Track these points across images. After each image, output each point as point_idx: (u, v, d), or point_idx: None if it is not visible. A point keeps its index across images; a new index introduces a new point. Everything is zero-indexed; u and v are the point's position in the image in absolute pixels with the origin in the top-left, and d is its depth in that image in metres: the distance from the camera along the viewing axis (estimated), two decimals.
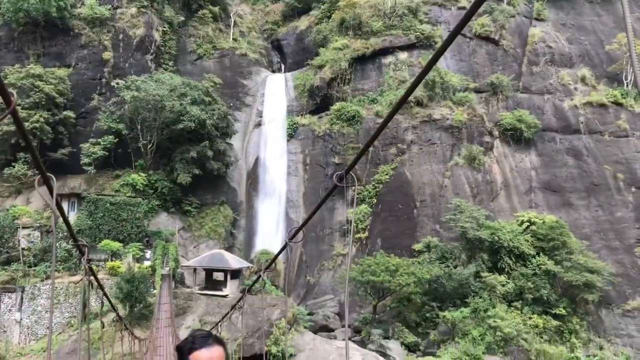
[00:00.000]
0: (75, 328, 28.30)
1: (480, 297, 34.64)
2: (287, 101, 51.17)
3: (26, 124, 36.17)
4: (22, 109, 37.29)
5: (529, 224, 38.85)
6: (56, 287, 28.73)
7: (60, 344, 27.21)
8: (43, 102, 37.86)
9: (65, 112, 39.59)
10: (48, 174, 3.38)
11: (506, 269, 36.69)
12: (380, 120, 43.21)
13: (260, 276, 5.19)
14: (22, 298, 28.87)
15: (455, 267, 37.27)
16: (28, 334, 28.46)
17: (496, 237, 36.66)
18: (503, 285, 34.98)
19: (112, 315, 27.24)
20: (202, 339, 2.81)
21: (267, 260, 36.80)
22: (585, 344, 33.49)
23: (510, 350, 31.61)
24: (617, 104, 46.30)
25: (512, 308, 34.75)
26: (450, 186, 43.66)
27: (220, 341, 2.86)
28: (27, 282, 29.25)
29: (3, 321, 28.73)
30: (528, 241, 37.36)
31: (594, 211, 42.18)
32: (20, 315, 28.54)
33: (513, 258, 36.98)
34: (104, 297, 6.21)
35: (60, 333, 28.24)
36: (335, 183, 4.00)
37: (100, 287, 5.12)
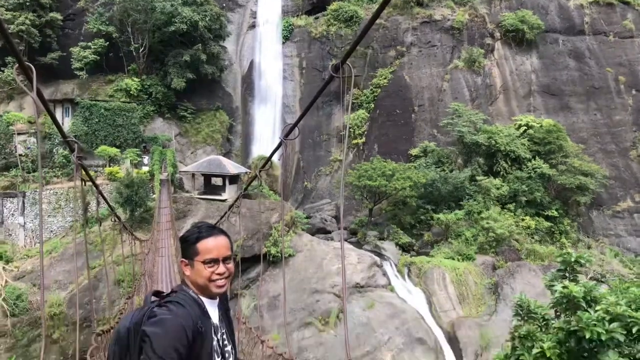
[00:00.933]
0: (78, 231, 28.97)
1: (475, 200, 35.31)
2: (281, 0, 49.09)
3: (11, 26, 34.90)
4: (5, 10, 35.77)
5: (526, 127, 38.81)
6: (56, 193, 29.07)
7: (65, 246, 27.97)
8: (27, 3, 36.28)
9: (51, 14, 38.05)
10: (27, 63, 3.20)
11: (501, 173, 37.13)
12: (379, 21, 41.80)
13: (257, 175, 5.12)
14: (23, 203, 29.28)
15: (451, 171, 37.66)
16: (32, 237, 29.17)
17: (493, 141, 36.75)
18: (498, 189, 35.54)
19: (114, 219, 27.82)
20: (208, 228, 2.84)
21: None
22: (574, 244, 34.65)
23: (502, 250, 32.70)
24: (625, 2, 44.62)
25: (505, 210, 35.52)
26: (449, 90, 43.07)
27: (224, 232, 2.86)
28: (27, 187, 29.54)
29: (7, 225, 29.32)
30: (524, 145, 37.51)
31: (593, 115, 41.97)
32: (23, 219, 29.09)
33: (509, 162, 37.31)
34: (100, 196, 6.20)
35: (63, 236, 28.96)
36: (331, 74, 3.83)
37: (94, 184, 5.09)
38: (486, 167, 37.62)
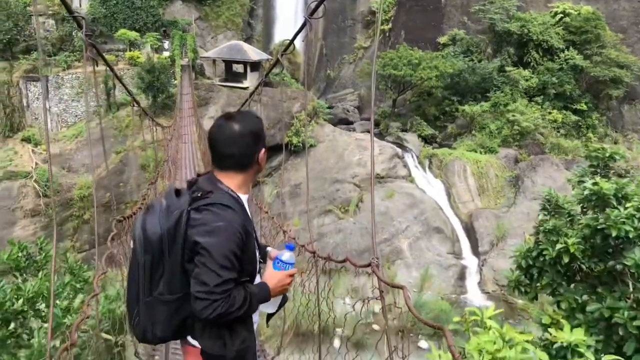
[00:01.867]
0: (103, 116, 29.20)
1: (502, 92, 34.32)
2: None
3: None
4: None
5: (562, 15, 36.58)
6: (77, 77, 28.94)
7: (90, 130, 28.37)
8: None
9: None
10: None
11: (532, 64, 35.68)
12: None
13: (278, 60, 4.87)
14: (47, 87, 29.32)
15: (480, 61, 36.31)
16: (59, 121, 29.54)
17: (525, 30, 34.94)
18: (527, 80, 34.35)
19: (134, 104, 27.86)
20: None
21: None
22: (600, 138, 33.93)
23: (526, 144, 32.33)
24: None
25: (532, 103, 34.59)
26: None
27: None
28: (50, 71, 29.42)
29: (33, 109, 29.62)
30: (559, 34, 35.61)
31: (636, 1, 39.22)
32: (48, 103, 29.30)
33: (540, 52, 35.68)
34: (117, 79, 6.04)
35: (88, 121, 29.29)
36: None
37: (107, 63, 4.91)
38: (516, 58, 36.11)
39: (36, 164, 26.72)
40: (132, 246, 2.45)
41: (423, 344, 21.27)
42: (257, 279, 2.50)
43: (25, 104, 29.33)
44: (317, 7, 3.56)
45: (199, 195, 2.31)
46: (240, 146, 2.39)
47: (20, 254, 5.53)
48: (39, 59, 29.90)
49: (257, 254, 2.49)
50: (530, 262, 4.53)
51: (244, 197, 2.47)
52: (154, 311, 2.32)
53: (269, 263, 2.54)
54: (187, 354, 2.49)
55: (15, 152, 27.18)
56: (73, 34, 31.98)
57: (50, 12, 32.20)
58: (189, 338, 2.43)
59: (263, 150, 2.49)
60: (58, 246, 24.17)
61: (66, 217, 25.48)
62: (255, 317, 2.53)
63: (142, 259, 2.30)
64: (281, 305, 2.63)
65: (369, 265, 2.94)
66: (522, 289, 4.64)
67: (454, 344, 1.82)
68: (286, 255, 2.52)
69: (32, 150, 27.43)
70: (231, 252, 2.17)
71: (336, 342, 18.81)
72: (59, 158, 27.50)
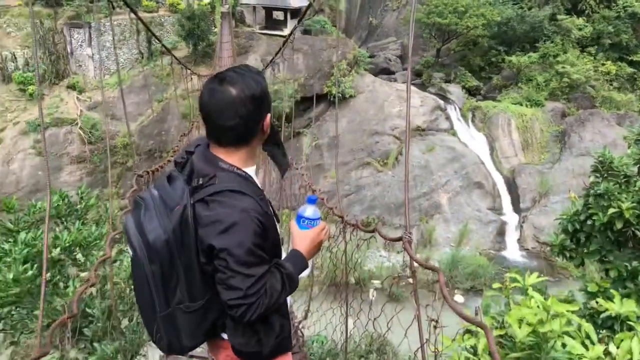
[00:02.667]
0: (144, 64, 29.35)
1: (552, 42, 32.70)
2: None
3: None
4: None
5: None
6: (119, 24, 28.95)
7: (132, 79, 28.63)
8: None
9: None
10: None
11: (586, 11, 33.72)
12: None
13: (311, 4, 4.56)
14: (90, 34, 29.49)
15: (530, 8, 34.55)
16: (101, 68, 29.86)
17: None
18: (580, 29, 32.55)
19: (178, 53, 27.84)
20: None
21: None
22: None
23: (575, 97, 30.99)
24: None
25: (584, 54, 32.91)
26: None
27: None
28: (92, 18, 29.53)
29: (77, 56, 29.95)
30: None
31: None
32: (91, 50, 29.55)
33: None
34: (148, 31, 5.88)
35: (130, 69, 29.49)
36: None
37: (129, 6, 4.76)
38: (570, 5, 34.17)
39: (81, 111, 27.27)
40: (130, 253, 2.05)
41: (459, 298, 21.34)
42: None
43: (69, 51, 29.68)
44: None
45: (200, 183, 1.93)
46: (241, 115, 1.94)
47: (61, 202, 5.63)
48: (82, 5, 30.01)
49: (278, 228, 2.16)
50: (578, 227, 4.29)
51: (251, 171, 2.10)
52: (177, 322, 2.02)
53: (292, 223, 2.23)
54: (220, 348, 2.20)
55: (61, 99, 27.74)
56: None
57: None
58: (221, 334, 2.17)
59: (268, 115, 2.08)
60: (102, 192, 24.95)
61: (110, 163, 26.14)
62: (289, 298, 2.23)
63: (149, 270, 1.94)
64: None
65: (400, 239, 2.60)
66: (567, 254, 4.43)
67: (495, 349, 1.63)
68: (309, 211, 2.21)
69: (77, 98, 27.94)
70: (256, 246, 1.86)
71: (372, 294, 19.05)
72: (101, 105, 27.98)
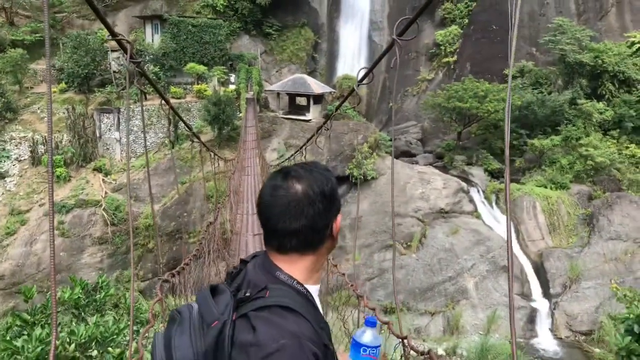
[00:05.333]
0: (169, 148, 30.01)
1: (574, 125, 32.77)
2: None
3: None
4: None
5: None
6: (147, 109, 29.96)
7: (157, 161, 29.18)
8: None
9: None
10: None
11: (606, 96, 33.99)
12: None
13: (353, 89, 4.45)
14: (118, 119, 30.54)
15: (550, 93, 34.98)
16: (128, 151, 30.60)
17: (599, 61, 33.42)
18: (601, 113, 32.67)
19: (204, 137, 28.46)
20: None
21: (349, 86, 36.02)
22: None
23: (600, 180, 30.56)
24: None
25: (607, 137, 32.84)
26: (552, 3, 39.19)
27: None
28: (122, 103, 30.66)
29: (105, 140, 30.87)
30: (636, 65, 33.84)
31: None
32: (119, 134, 30.46)
33: (616, 84, 33.97)
34: (173, 113, 5.91)
35: (156, 152, 30.16)
36: None
37: (156, 89, 4.74)
38: (589, 90, 34.52)
39: (106, 192, 27.65)
40: None
41: None
42: None
43: (98, 135, 30.62)
44: (407, 26, 3.10)
45: (247, 295, 1.57)
46: (308, 217, 1.64)
47: (80, 292, 5.41)
48: (113, 92, 31.25)
49: None
50: None
51: (314, 290, 1.72)
52: None
53: (345, 355, 1.80)
54: None
55: (87, 181, 28.27)
56: (145, 67, 33.32)
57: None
58: None
59: (339, 217, 1.78)
60: (122, 274, 24.74)
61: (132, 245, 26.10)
62: None
63: None
64: None
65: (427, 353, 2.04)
66: (635, 359, 3.95)
67: None
68: (368, 336, 1.79)
69: (103, 180, 28.45)
70: None
71: None
72: (126, 187, 28.39)
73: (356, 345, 1.79)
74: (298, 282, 1.64)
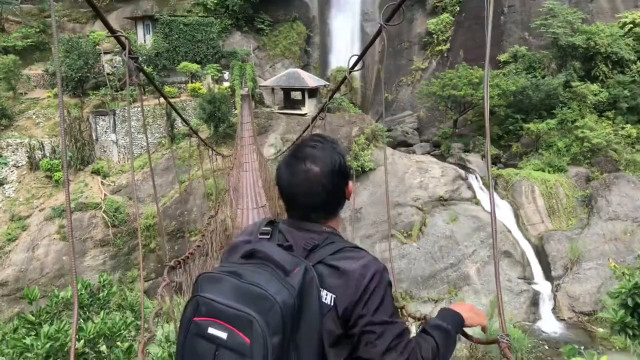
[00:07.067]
0: (167, 147, 30.02)
1: (569, 108, 32.83)
2: None
3: None
4: None
5: (632, 25, 34.80)
6: (144, 109, 29.92)
7: (155, 161, 29.22)
8: None
9: None
10: None
11: (600, 77, 34.03)
12: None
13: (345, 77, 4.51)
14: (114, 121, 30.56)
15: (544, 77, 35.01)
16: (125, 153, 30.63)
17: (592, 43, 33.43)
18: (595, 95, 32.72)
19: (200, 135, 28.47)
20: None
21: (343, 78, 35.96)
22: None
23: (597, 161, 30.65)
24: None
25: (603, 118, 32.91)
26: None
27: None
28: (117, 105, 30.66)
29: (102, 142, 30.90)
30: (629, 45, 33.86)
31: None
32: (115, 136, 30.49)
33: (609, 65, 33.99)
34: (172, 109, 5.94)
35: (153, 152, 30.20)
36: None
37: (154, 85, 4.79)
38: (583, 72, 34.55)
39: (105, 195, 27.70)
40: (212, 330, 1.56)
41: None
42: None
43: (94, 138, 30.64)
44: (393, 12, 3.15)
45: (316, 244, 1.76)
46: (327, 191, 1.85)
47: (84, 292, 5.47)
48: (107, 94, 31.25)
49: None
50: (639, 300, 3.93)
51: None
52: None
53: None
54: None
55: (86, 184, 28.31)
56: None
57: (117, 50, 33.70)
58: None
59: (350, 183, 1.97)
60: (124, 275, 24.81)
61: (133, 246, 26.17)
62: None
63: (267, 344, 1.49)
64: None
65: (495, 341, 2.03)
66: (631, 332, 4.03)
67: None
68: None
69: (101, 182, 28.49)
70: (393, 298, 1.73)
71: None
72: (125, 189, 28.41)
73: None
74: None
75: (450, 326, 1.90)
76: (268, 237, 1.84)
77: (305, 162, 1.85)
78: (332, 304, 1.66)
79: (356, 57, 4.11)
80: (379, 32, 3.25)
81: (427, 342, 1.78)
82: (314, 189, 1.84)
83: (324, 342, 1.65)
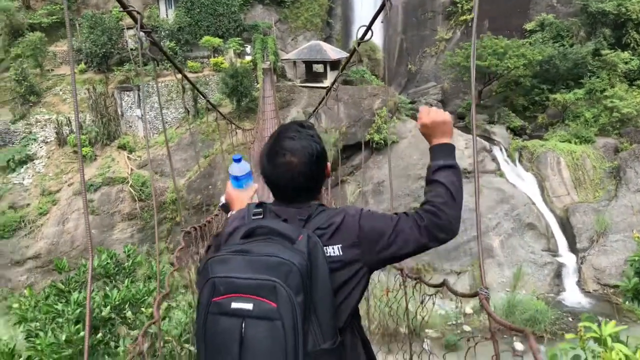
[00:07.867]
0: (191, 122, 30.28)
1: (598, 77, 31.98)
2: None
3: None
4: None
5: None
6: (167, 85, 30.18)
7: (180, 136, 29.55)
8: None
9: None
10: None
11: (632, 45, 32.99)
12: None
13: (355, 50, 4.53)
14: (139, 96, 30.88)
15: (572, 45, 34.07)
16: (150, 128, 31.01)
17: (623, 9, 32.36)
18: (626, 63, 31.79)
19: (223, 110, 28.65)
20: None
21: (365, 50, 35.58)
22: None
23: (627, 132, 29.96)
24: None
25: (633, 87, 32.00)
26: None
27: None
28: (141, 80, 30.93)
29: (127, 117, 31.31)
30: None
31: None
32: (140, 112, 30.85)
33: None
34: (189, 84, 6.03)
35: (177, 127, 30.50)
36: None
37: (168, 58, 4.86)
38: (613, 40, 33.52)
39: (131, 169, 28.19)
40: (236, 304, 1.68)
41: (518, 345, 20.29)
42: None
43: (120, 113, 31.06)
44: None
45: (309, 214, 1.97)
46: (308, 177, 2.03)
47: (109, 261, 5.69)
48: (131, 70, 31.53)
49: None
50: None
51: None
52: None
53: (229, 184, 2.47)
54: None
55: (113, 159, 28.84)
56: (161, 43, 33.45)
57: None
58: None
59: (327, 164, 2.15)
60: (152, 247, 25.38)
61: (160, 219, 26.70)
62: None
63: (295, 305, 1.62)
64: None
65: (475, 295, 2.25)
66: None
67: (537, 348, 1.42)
68: (235, 169, 2.41)
69: (128, 157, 28.98)
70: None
71: (427, 345, 18.34)
72: (151, 163, 28.84)
73: (232, 178, 2.43)
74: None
75: (450, 160, 2.22)
76: (261, 217, 2.01)
77: (285, 155, 2.01)
78: (340, 253, 1.87)
79: (364, 28, 4.13)
80: (382, 7, 3.30)
81: (434, 189, 2.17)
82: (296, 179, 2.01)
83: (334, 300, 1.81)
